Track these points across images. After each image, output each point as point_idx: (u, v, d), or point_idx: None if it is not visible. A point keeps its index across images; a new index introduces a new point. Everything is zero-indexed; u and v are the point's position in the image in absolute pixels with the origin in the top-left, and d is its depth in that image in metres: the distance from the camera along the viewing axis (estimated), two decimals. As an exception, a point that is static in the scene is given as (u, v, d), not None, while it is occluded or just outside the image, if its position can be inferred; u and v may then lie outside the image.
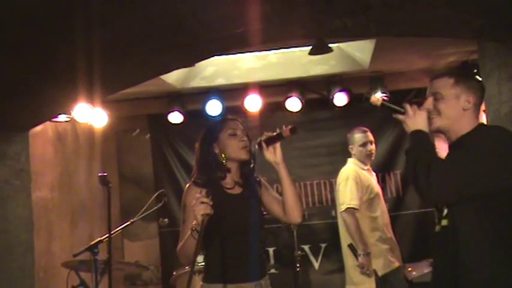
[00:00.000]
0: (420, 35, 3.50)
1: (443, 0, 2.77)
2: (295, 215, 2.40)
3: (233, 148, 2.39)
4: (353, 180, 4.13)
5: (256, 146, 2.35)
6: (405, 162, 2.11)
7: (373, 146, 4.33)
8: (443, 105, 2.10)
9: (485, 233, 1.93)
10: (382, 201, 4.28)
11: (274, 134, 2.34)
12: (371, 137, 4.33)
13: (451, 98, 2.09)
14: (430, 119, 2.10)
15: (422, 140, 2.04)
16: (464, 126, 2.09)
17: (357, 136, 4.31)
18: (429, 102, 2.12)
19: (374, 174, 4.41)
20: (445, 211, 2.06)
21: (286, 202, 2.39)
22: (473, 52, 4.19)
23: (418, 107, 2.09)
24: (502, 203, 1.95)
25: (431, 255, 2.32)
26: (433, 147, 2.04)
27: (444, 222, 2.04)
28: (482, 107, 2.31)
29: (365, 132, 4.32)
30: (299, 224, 2.51)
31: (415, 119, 2.06)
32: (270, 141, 2.33)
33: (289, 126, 2.31)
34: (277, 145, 2.35)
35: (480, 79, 2.21)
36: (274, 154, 2.34)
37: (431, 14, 2.95)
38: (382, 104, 2.15)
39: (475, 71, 4.28)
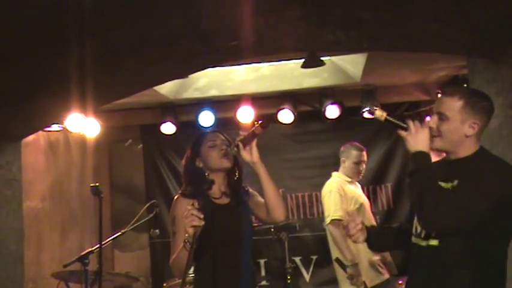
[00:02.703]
0: (411, 50, 3.55)
1: (433, 16, 2.82)
2: (278, 213, 2.40)
3: (213, 159, 2.41)
4: (336, 192, 4.15)
5: (235, 149, 2.36)
6: (408, 185, 2.07)
7: (364, 166, 4.38)
8: (446, 128, 2.03)
9: (476, 258, 1.95)
10: (368, 211, 4.30)
11: (248, 133, 2.34)
12: (365, 157, 4.37)
13: (456, 122, 2.02)
14: (431, 138, 2.06)
15: (425, 164, 2.01)
16: (465, 150, 2.05)
17: (354, 153, 4.31)
18: (434, 121, 2.07)
19: (359, 185, 4.44)
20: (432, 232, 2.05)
21: (267, 201, 2.39)
22: (464, 67, 4.23)
23: (421, 124, 2.06)
24: (495, 231, 1.96)
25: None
26: (434, 172, 2.03)
27: (434, 242, 2.02)
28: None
29: (362, 150, 4.34)
30: (282, 222, 2.51)
31: (417, 137, 2.03)
32: (246, 141, 2.34)
33: (260, 121, 2.31)
34: (253, 144, 2.35)
35: (489, 99, 2.13)
36: (250, 154, 2.34)
37: (422, 29, 2.99)
38: (386, 119, 2.12)
39: (465, 85, 4.34)
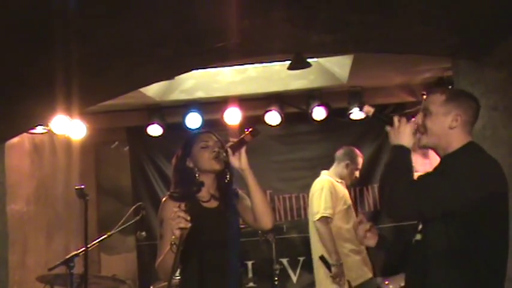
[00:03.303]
0: (396, 52, 3.58)
1: (418, 19, 2.85)
2: (265, 221, 2.39)
3: (204, 160, 2.39)
4: (328, 190, 4.19)
5: (225, 154, 2.36)
6: (380, 176, 2.17)
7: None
8: (430, 122, 2.10)
9: (453, 249, 1.97)
10: (354, 213, 4.34)
11: (237, 139, 2.33)
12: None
13: (440, 115, 2.08)
14: (418, 135, 2.12)
15: (400, 157, 2.07)
16: (452, 144, 2.08)
17: (359, 161, 4.44)
18: (419, 117, 2.14)
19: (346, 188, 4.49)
20: (420, 226, 2.09)
21: (255, 209, 2.37)
22: (448, 69, 4.28)
23: (407, 121, 2.11)
24: (472, 222, 1.97)
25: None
26: (409, 165, 2.07)
27: (418, 236, 2.08)
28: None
29: (361, 158, 4.47)
30: (270, 230, 2.50)
31: (399, 132, 2.09)
32: (235, 148, 2.33)
33: (250, 129, 2.31)
34: (243, 151, 2.33)
35: (474, 98, 2.20)
36: (239, 160, 2.33)
37: (407, 31, 3.02)
38: (373, 114, 2.18)
39: (450, 87, 4.39)
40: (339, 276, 3.97)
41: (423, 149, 2.24)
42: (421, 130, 2.12)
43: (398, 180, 2.00)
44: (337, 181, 4.33)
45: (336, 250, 4.02)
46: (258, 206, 2.37)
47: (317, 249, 4.18)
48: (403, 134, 2.08)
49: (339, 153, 4.45)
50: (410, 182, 2.02)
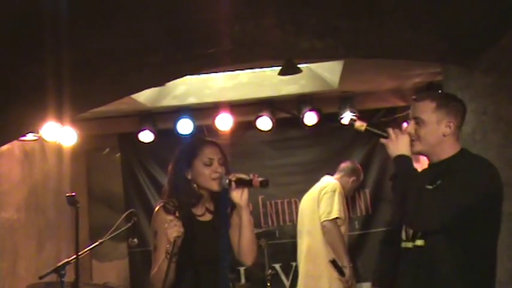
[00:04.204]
0: (386, 57, 3.60)
1: (407, 25, 2.87)
2: (246, 258, 2.39)
3: (205, 178, 2.33)
4: (340, 194, 4.20)
5: (227, 182, 2.30)
6: (392, 188, 2.11)
7: None
8: (424, 131, 2.10)
9: (463, 256, 1.98)
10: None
11: (246, 178, 2.27)
12: None
13: (432, 123, 2.10)
14: (411, 143, 2.13)
15: (407, 167, 2.06)
16: (446, 151, 2.11)
17: (362, 176, 4.54)
18: (411, 126, 2.14)
19: None
20: (404, 233, 2.10)
21: (241, 245, 2.36)
22: (439, 74, 4.31)
23: (400, 130, 2.11)
24: (479, 228, 2.00)
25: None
26: (417, 173, 2.07)
27: (419, 242, 2.05)
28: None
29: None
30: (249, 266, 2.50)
31: (397, 143, 2.08)
32: (240, 184, 2.28)
33: (261, 179, 2.24)
34: (246, 190, 2.29)
35: (460, 101, 2.23)
36: (240, 197, 2.29)
37: (396, 37, 3.04)
38: (366, 129, 2.16)
39: (440, 91, 4.42)
40: (351, 279, 3.95)
41: (417, 155, 2.24)
42: (413, 138, 2.12)
43: (413, 188, 1.98)
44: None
45: (347, 251, 4.02)
46: (245, 243, 2.36)
47: (324, 252, 4.11)
48: (401, 144, 2.08)
49: (346, 166, 4.44)
50: (432, 192, 2.00)
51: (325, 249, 4.11)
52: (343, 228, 4.17)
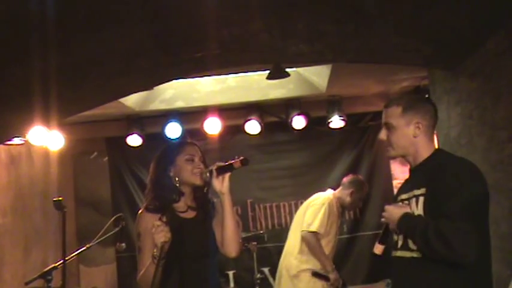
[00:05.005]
0: (373, 62, 3.63)
1: (393, 30, 2.90)
2: (230, 249, 2.37)
3: (188, 173, 2.38)
4: (327, 209, 4.17)
5: (208, 174, 2.35)
6: (417, 245, 2.03)
7: None
8: (395, 136, 2.14)
9: (459, 268, 1.96)
10: (334, 237, 4.34)
11: (226, 164, 2.32)
12: None
13: (401, 127, 2.13)
14: (385, 149, 2.17)
15: (412, 220, 2.04)
16: (421, 152, 2.13)
17: (365, 190, 4.41)
18: (383, 133, 2.18)
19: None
20: (394, 239, 2.09)
21: (224, 234, 2.36)
22: (425, 78, 4.35)
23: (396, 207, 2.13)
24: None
25: (389, 276, 2.34)
26: (418, 219, 2.04)
27: (416, 254, 2.03)
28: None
29: (367, 188, 4.49)
30: (234, 258, 2.48)
31: (392, 216, 2.09)
32: (221, 171, 2.31)
33: (241, 158, 2.29)
34: (227, 176, 2.32)
35: (429, 100, 2.26)
36: (221, 184, 2.32)
37: (382, 42, 3.07)
38: (383, 251, 2.20)
39: (427, 95, 4.46)
40: (337, 281, 4.03)
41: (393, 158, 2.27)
42: (386, 144, 2.17)
43: (442, 228, 1.92)
44: (338, 207, 4.32)
45: (327, 257, 4.08)
46: (228, 232, 2.36)
47: (301, 263, 4.19)
48: (395, 214, 2.09)
49: (346, 179, 4.39)
50: (445, 221, 1.94)
51: (301, 258, 4.18)
52: (324, 241, 4.18)
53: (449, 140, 3.66)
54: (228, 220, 2.35)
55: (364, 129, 5.54)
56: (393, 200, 2.26)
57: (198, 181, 2.38)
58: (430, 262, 1.99)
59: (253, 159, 5.72)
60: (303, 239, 4.16)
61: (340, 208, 4.34)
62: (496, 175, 3.06)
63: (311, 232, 4.12)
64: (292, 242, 4.31)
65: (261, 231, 5.40)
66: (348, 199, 4.29)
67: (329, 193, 4.37)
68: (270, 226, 5.60)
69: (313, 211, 4.21)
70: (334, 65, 4.27)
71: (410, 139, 2.13)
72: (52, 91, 3.03)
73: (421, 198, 2.04)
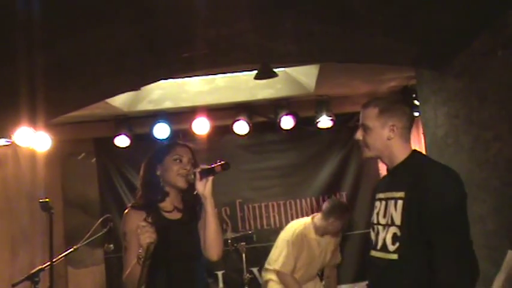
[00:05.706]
0: (360, 62, 3.65)
1: (380, 30, 2.91)
2: (212, 252, 2.36)
3: (173, 172, 2.38)
4: (292, 244, 4.07)
5: (193, 176, 2.34)
6: None
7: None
8: (370, 137, 2.15)
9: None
10: (319, 263, 4.25)
11: (208, 167, 2.32)
12: None
13: (377, 129, 2.13)
14: (361, 149, 2.18)
15: None
16: (396, 154, 2.13)
17: (346, 217, 4.18)
18: (359, 133, 2.19)
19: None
20: (396, 245, 2.04)
21: (206, 238, 2.35)
22: (413, 78, 4.38)
23: None
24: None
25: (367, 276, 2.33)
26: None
27: (394, 256, 2.03)
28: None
29: (349, 214, 4.32)
30: (216, 261, 2.47)
31: None
32: (204, 174, 2.32)
33: (222, 162, 2.30)
34: (210, 179, 2.32)
35: (406, 102, 2.27)
36: (204, 187, 2.32)
37: (370, 42, 3.09)
38: None
39: (414, 95, 4.49)
40: None
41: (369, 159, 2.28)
42: (362, 144, 2.17)
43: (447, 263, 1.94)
44: (317, 234, 4.15)
45: (297, 282, 4.07)
46: (210, 236, 2.34)
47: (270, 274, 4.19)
48: None
49: (325, 206, 4.14)
50: (443, 247, 1.95)
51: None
52: (300, 272, 4.13)
53: (436, 139, 3.69)
54: (210, 223, 2.34)
55: (353, 129, 5.54)
56: (373, 199, 2.27)
57: (180, 183, 2.37)
58: (407, 265, 1.99)
59: (242, 160, 5.75)
60: (279, 278, 4.12)
61: (323, 232, 4.15)
62: (481, 174, 3.09)
63: (279, 270, 4.08)
64: (274, 252, 4.24)
65: (250, 231, 5.40)
66: (329, 228, 4.11)
67: (305, 221, 4.22)
68: (258, 226, 5.60)
69: (279, 246, 4.17)
70: (322, 65, 4.28)
71: (385, 141, 2.13)
72: (39, 91, 3.01)
73: (400, 202, 2.04)
